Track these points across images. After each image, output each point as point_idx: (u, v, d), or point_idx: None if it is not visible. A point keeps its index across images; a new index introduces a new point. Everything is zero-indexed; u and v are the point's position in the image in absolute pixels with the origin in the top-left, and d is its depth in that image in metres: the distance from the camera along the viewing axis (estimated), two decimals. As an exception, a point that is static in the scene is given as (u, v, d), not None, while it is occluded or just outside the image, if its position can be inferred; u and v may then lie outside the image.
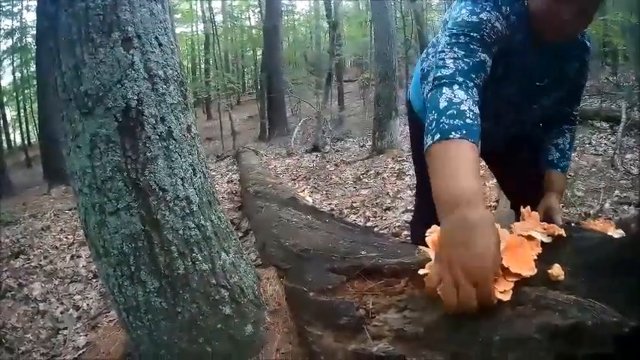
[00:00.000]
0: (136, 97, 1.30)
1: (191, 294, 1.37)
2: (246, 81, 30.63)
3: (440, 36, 1.59)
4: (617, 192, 4.80)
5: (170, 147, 1.36)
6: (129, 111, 1.29)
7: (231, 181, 7.51)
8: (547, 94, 1.60)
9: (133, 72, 1.30)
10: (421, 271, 1.13)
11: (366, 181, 6.54)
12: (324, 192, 6.27)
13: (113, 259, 1.34)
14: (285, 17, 20.49)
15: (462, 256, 0.98)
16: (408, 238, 3.65)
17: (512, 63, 1.46)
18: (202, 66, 27.19)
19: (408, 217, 4.26)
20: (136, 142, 1.30)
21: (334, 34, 11.78)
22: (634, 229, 1.55)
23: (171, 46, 1.43)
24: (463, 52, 1.30)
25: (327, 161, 8.60)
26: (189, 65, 28.77)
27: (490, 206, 4.36)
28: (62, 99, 1.32)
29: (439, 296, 1.01)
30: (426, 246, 1.17)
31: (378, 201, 5.27)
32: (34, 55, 15.10)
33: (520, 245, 1.12)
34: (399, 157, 7.48)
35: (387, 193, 5.52)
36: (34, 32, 15.74)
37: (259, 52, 21.19)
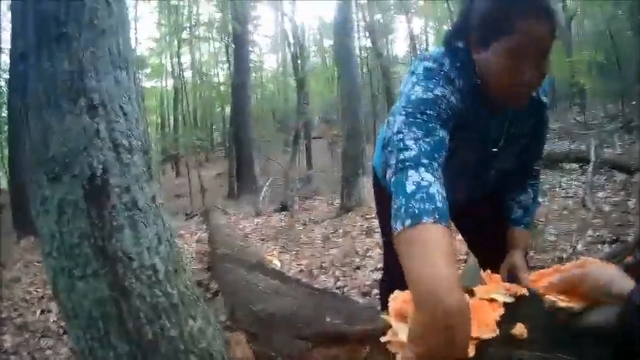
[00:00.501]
0: (101, 166, 1.31)
1: (160, 359, 1.36)
2: (214, 137, 30.67)
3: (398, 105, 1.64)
4: (589, 232, 4.81)
5: (135, 217, 1.37)
6: (94, 179, 1.30)
7: (200, 241, 7.40)
8: (507, 155, 1.64)
9: (98, 141, 1.32)
10: (383, 339, 1.13)
11: (335, 240, 6.52)
12: (294, 252, 6.21)
13: (83, 322, 1.33)
14: (254, 74, 20.74)
15: (439, 346, 0.96)
16: (377, 297, 3.67)
17: (469, 132, 1.50)
18: (171, 121, 27.15)
19: (378, 275, 4.24)
20: (102, 210, 1.31)
21: (302, 93, 11.96)
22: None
23: (136, 115, 1.45)
24: (422, 132, 1.28)
25: (296, 220, 8.57)
26: (159, 120, 28.72)
27: (460, 260, 4.34)
28: (31, 162, 1.34)
29: None
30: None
31: (347, 260, 5.24)
32: (5, 100, 14.78)
33: (481, 308, 1.15)
34: (368, 214, 7.46)
35: (357, 252, 5.50)
36: (7, 76, 15.41)
37: (228, 109, 21.34)
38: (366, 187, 8.28)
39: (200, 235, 7.97)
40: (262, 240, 7.31)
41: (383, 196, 1.66)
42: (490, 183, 1.75)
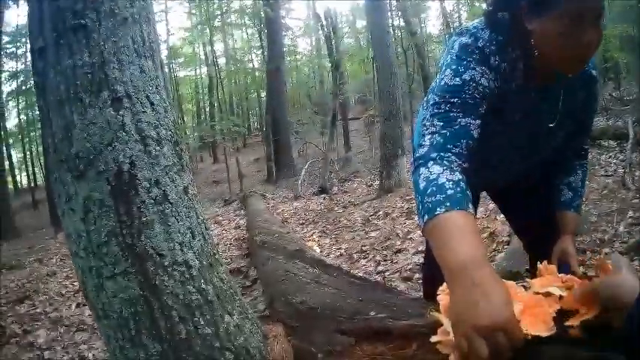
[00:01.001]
0: (128, 161, 1.25)
1: (195, 357, 1.31)
2: (251, 123, 30.81)
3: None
4: (630, 213, 4.65)
5: (166, 211, 1.31)
6: (121, 175, 1.25)
7: (239, 227, 7.45)
8: (557, 132, 1.53)
9: (124, 134, 1.25)
10: (433, 339, 1.06)
11: (375, 222, 6.45)
12: (333, 236, 6.19)
13: (113, 322, 1.29)
14: (288, 58, 20.72)
15: (473, 318, 0.94)
16: (420, 281, 3.59)
17: (514, 108, 1.41)
18: (207, 109, 27.41)
19: (420, 258, 4.18)
20: (130, 206, 1.25)
21: (337, 74, 11.86)
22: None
23: (164, 104, 1.39)
24: (441, 124, 1.30)
25: (335, 203, 8.55)
26: (194, 109, 29.02)
27: (502, 242, 4.28)
28: (54, 160, 1.29)
29: None
30: (437, 302, 1.13)
31: (387, 243, 5.17)
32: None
33: (537, 304, 1.06)
34: (408, 195, 7.37)
35: (397, 235, 5.42)
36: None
37: (263, 94, 21.38)
38: (405, 167, 8.23)
39: (238, 221, 8.02)
40: (302, 224, 7.31)
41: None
42: (541, 160, 1.65)
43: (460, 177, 1.21)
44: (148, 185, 1.29)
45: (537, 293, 1.11)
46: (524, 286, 1.16)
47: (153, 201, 1.29)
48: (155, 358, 1.28)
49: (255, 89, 24.49)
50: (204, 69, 25.43)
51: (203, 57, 24.80)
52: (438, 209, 1.13)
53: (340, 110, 15.45)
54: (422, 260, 3.86)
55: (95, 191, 1.24)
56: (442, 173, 1.20)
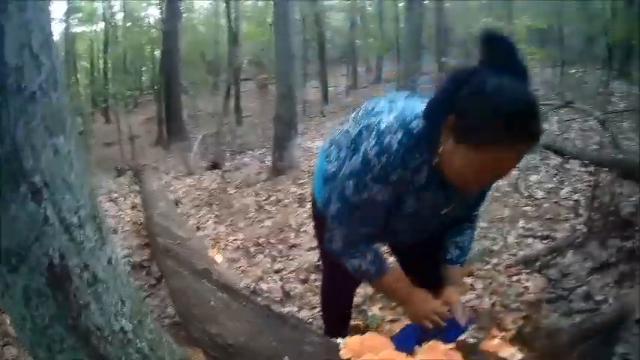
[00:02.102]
0: (57, 254, 1.33)
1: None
2: (143, 81, 29.76)
3: (342, 142, 1.81)
4: (521, 222, 4.88)
5: (98, 290, 1.43)
6: (53, 267, 1.33)
7: (135, 207, 7.38)
8: (451, 214, 1.76)
9: (48, 227, 1.30)
10: None
11: (268, 209, 6.58)
12: (228, 223, 6.28)
13: None
14: (185, 15, 20.17)
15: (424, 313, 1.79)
16: (317, 284, 3.80)
17: (419, 198, 1.61)
18: (101, 66, 26.23)
19: (314, 256, 4.36)
20: (67, 293, 1.36)
21: (234, 50, 11.73)
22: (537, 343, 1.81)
23: (79, 180, 1.39)
24: (346, 231, 1.73)
25: (228, 182, 8.58)
26: (88, 66, 27.64)
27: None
28: None
29: None
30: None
31: (282, 236, 5.32)
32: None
33: None
34: (300, 179, 7.54)
35: (291, 226, 5.58)
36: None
37: (157, 52, 20.81)
38: (298, 149, 8.41)
39: (133, 199, 7.93)
40: (196, 206, 7.34)
41: (323, 223, 1.87)
42: (436, 230, 1.90)
43: (370, 257, 1.77)
44: (79, 271, 1.38)
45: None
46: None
47: (86, 284, 1.40)
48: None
49: (150, 47, 23.65)
50: (102, 24, 24.35)
51: (101, 12, 23.68)
52: (375, 280, 1.83)
53: (233, 73, 15.37)
54: (315, 259, 4.17)
55: (32, 282, 1.32)
56: (361, 263, 1.77)
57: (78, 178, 1.39)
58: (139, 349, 1.53)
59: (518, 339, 1.82)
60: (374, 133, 1.54)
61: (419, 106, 1.56)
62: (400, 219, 1.69)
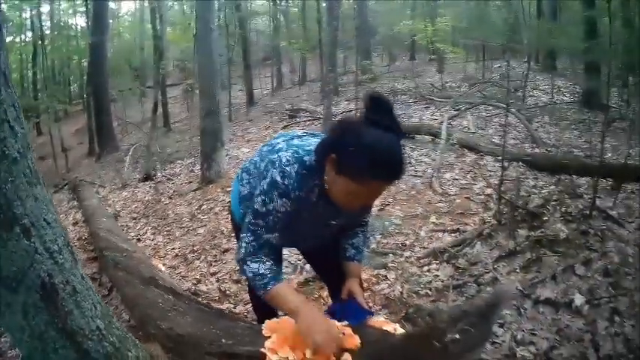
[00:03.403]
0: (46, 275, 1.71)
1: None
2: (71, 90, 29.08)
3: (252, 170, 2.32)
4: (433, 218, 5.26)
5: (78, 299, 1.84)
6: (44, 285, 1.71)
7: (77, 223, 7.54)
8: (341, 224, 2.30)
9: (38, 256, 1.68)
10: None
11: (201, 217, 6.90)
12: (165, 232, 6.60)
13: None
14: (110, 20, 19.96)
15: (313, 330, 1.87)
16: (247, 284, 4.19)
17: (309, 214, 2.11)
18: (30, 78, 25.60)
19: None
20: (56, 304, 1.76)
21: (159, 63, 11.85)
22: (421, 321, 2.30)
23: (53, 217, 1.79)
24: (253, 237, 2.05)
25: (161, 193, 8.84)
26: (18, 77, 26.79)
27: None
28: None
29: None
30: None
31: (215, 242, 5.67)
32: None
33: None
34: (228, 187, 7.73)
35: (222, 232, 5.91)
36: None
37: (85, 61, 20.54)
38: (225, 159, 8.77)
39: (74, 215, 8.08)
40: (134, 219, 7.61)
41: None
42: (332, 235, 2.42)
43: (269, 264, 2.06)
44: (63, 286, 1.78)
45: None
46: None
47: (69, 295, 1.80)
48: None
49: (78, 57, 23.25)
50: (30, 34, 23.86)
51: (29, 22, 23.03)
52: (269, 286, 2.02)
53: (160, 80, 15.49)
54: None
55: (29, 298, 1.70)
56: (259, 267, 2.04)
57: (53, 215, 1.80)
58: (111, 342, 1.96)
59: (405, 318, 2.34)
60: (277, 164, 2.00)
61: (309, 144, 2.09)
62: (302, 228, 2.18)
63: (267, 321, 2.09)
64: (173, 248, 5.88)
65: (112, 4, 21.47)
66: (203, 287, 4.56)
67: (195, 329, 2.32)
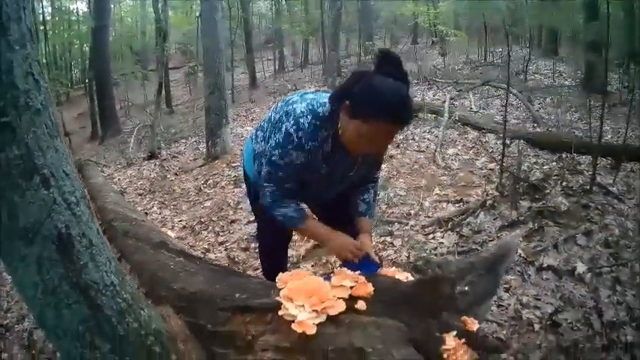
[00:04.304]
0: (63, 225, 1.72)
1: (132, 346, 1.94)
2: (73, 74, 29.01)
3: (267, 127, 2.36)
4: (437, 190, 5.40)
5: (93, 252, 1.85)
6: (61, 236, 1.72)
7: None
8: (355, 176, 2.38)
9: (56, 206, 1.70)
10: (280, 313, 1.90)
11: (207, 191, 6.99)
12: (172, 207, 6.66)
13: (71, 339, 1.84)
14: (112, 6, 19.89)
15: (342, 245, 2.30)
16: (257, 250, 4.25)
17: (324, 165, 2.20)
18: None
19: (252, 229, 4.87)
20: (71, 256, 1.76)
21: (163, 45, 11.81)
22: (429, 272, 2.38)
23: (72, 169, 1.82)
24: (275, 187, 2.25)
25: (167, 170, 8.93)
26: None
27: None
28: (4, 232, 1.67)
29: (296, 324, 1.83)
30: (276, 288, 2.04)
31: (222, 214, 5.75)
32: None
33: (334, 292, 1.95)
34: (233, 162, 7.94)
35: (229, 204, 6.00)
36: None
37: (86, 45, 20.46)
38: (229, 135, 8.83)
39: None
40: (140, 195, 7.67)
41: (253, 191, 2.60)
42: (345, 188, 2.49)
43: (294, 206, 2.31)
44: (79, 238, 1.79)
45: (335, 286, 1.95)
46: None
47: (84, 248, 1.81)
48: (109, 355, 1.88)
49: (79, 42, 23.17)
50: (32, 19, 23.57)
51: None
52: (299, 225, 2.35)
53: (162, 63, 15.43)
54: (253, 231, 4.63)
55: (44, 251, 1.70)
56: (287, 211, 2.30)
57: (71, 167, 1.83)
58: (125, 299, 1.96)
59: (414, 269, 2.40)
60: (292, 117, 2.12)
61: (322, 98, 2.19)
62: (318, 179, 2.28)
63: (280, 274, 2.13)
64: (180, 220, 5.95)
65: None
66: (212, 255, 4.64)
67: (207, 287, 2.36)
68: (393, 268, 2.42)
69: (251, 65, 18.48)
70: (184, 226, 5.69)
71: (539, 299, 3.16)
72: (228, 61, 15.07)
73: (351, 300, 1.90)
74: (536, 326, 2.93)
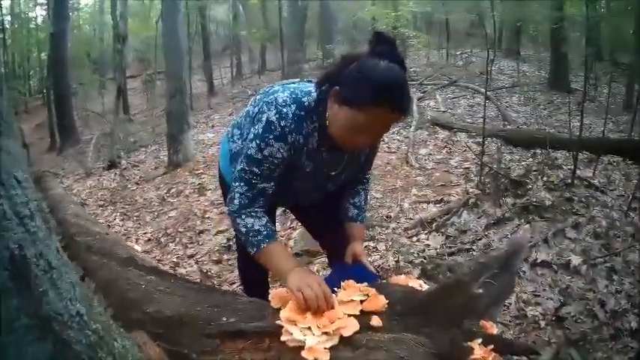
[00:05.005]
0: (16, 246, 1.41)
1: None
2: (31, 84, 28.21)
3: (244, 123, 2.07)
4: (414, 191, 5.27)
5: (54, 277, 1.53)
6: (14, 259, 1.41)
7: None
8: (340, 176, 2.09)
9: (7, 222, 1.39)
10: (282, 339, 1.59)
11: (171, 200, 6.73)
12: (135, 218, 6.35)
13: None
14: (70, 13, 19.38)
15: (306, 286, 1.71)
16: (230, 262, 4.05)
17: (307, 163, 1.93)
18: None
19: (222, 239, 4.66)
20: (28, 282, 1.45)
21: (122, 49, 11.53)
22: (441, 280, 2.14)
23: (25, 176, 1.50)
24: (246, 188, 1.89)
25: (128, 179, 8.61)
26: None
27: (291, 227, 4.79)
28: None
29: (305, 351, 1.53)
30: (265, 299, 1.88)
31: (189, 224, 5.49)
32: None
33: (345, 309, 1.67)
34: (196, 170, 7.73)
35: (195, 214, 5.74)
36: None
37: (44, 54, 19.96)
38: (191, 141, 8.64)
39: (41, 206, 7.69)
40: (101, 206, 7.33)
41: None
42: (332, 188, 2.19)
43: (265, 220, 1.93)
44: (36, 260, 1.48)
45: (344, 302, 1.67)
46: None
47: (43, 272, 1.49)
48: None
49: (38, 51, 22.54)
50: None
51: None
52: (262, 245, 1.90)
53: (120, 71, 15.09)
54: (224, 241, 4.44)
55: None
56: (255, 222, 1.91)
57: (24, 174, 1.50)
58: (95, 330, 1.65)
59: (423, 275, 2.15)
60: (273, 106, 1.82)
61: (306, 86, 1.92)
62: (300, 178, 2.00)
63: (273, 290, 1.88)
64: (145, 233, 5.68)
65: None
66: (182, 270, 4.36)
67: (187, 309, 2.04)
68: (403, 275, 2.15)
69: (209, 72, 18.36)
70: (149, 239, 5.43)
71: (539, 295, 3.15)
72: (187, 68, 14.83)
73: (364, 316, 1.64)
74: (542, 323, 2.91)
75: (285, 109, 1.80)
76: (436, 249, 3.93)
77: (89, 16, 29.65)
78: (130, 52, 21.60)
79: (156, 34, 15.03)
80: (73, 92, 15.69)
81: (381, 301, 1.69)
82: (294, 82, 2.04)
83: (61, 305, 1.54)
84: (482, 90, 9.66)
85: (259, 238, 1.91)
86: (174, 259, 4.62)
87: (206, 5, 19.22)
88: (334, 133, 1.80)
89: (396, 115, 1.72)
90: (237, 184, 1.93)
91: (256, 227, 1.91)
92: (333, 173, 2.04)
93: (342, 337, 1.55)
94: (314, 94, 1.85)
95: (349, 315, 1.63)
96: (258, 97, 2.04)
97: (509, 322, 2.89)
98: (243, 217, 1.92)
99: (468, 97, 10.47)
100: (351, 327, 1.57)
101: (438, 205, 4.87)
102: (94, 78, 19.11)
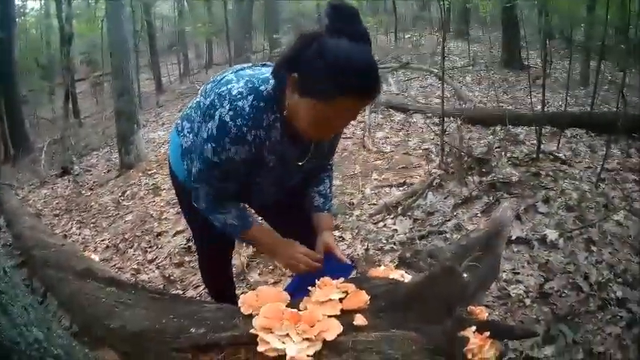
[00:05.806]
0: None
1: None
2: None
3: (194, 116, 1.93)
4: (375, 175, 5.19)
5: (3, 302, 1.40)
6: None
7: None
8: (307, 165, 1.94)
9: None
10: (259, 349, 1.44)
11: (126, 204, 6.52)
12: (92, 225, 6.13)
13: None
14: (17, 19, 18.68)
15: (291, 256, 1.92)
16: (192, 264, 3.93)
17: (271, 156, 1.78)
18: None
19: (181, 240, 4.53)
20: None
21: (68, 51, 11.15)
22: (423, 267, 2.04)
23: None
24: (208, 188, 1.84)
25: (81, 185, 8.35)
26: None
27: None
28: None
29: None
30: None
31: (146, 227, 5.31)
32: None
33: (321, 312, 1.53)
34: (149, 170, 7.53)
35: (152, 216, 5.57)
36: None
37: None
38: (142, 141, 8.45)
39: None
40: (57, 215, 7.06)
41: (185, 192, 2.05)
42: (296, 181, 2.06)
43: (237, 211, 1.92)
44: None
45: (321, 302, 1.56)
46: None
47: None
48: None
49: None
50: None
51: None
52: (240, 235, 1.98)
53: (68, 74, 14.63)
54: (184, 242, 4.36)
55: None
56: (226, 217, 1.90)
57: None
58: (57, 355, 1.52)
59: (402, 264, 2.05)
60: (226, 100, 1.64)
61: (262, 73, 1.74)
62: (264, 174, 1.87)
63: (242, 296, 1.68)
64: (103, 240, 5.46)
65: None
66: (144, 276, 4.20)
67: (153, 322, 1.87)
68: (382, 266, 2.02)
69: (156, 69, 17.99)
70: (108, 246, 5.22)
71: (519, 273, 3.11)
72: (134, 66, 14.48)
73: (345, 316, 1.51)
74: (527, 301, 2.88)
75: (240, 103, 1.62)
76: (405, 233, 3.85)
77: (35, 20, 28.63)
78: (78, 54, 21.06)
79: (101, 34, 14.56)
80: (23, 100, 15.10)
81: (362, 298, 1.56)
82: (248, 68, 1.86)
83: (16, 333, 1.41)
84: (436, 71, 9.87)
85: (236, 229, 1.93)
86: (135, 266, 4.45)
87: (151, 2, 18.78)
88: (297, 125, 1.65)
89: (366, 100, 1.59)
90: (198, 185, 1.84)
91: (229, 221, 1.91)
92: (300, 164, 1.90)
93: (325, 342, 1.42)
94: (272, 81, 1.67)
95: (329, 316, 1.50)
96: (208, 86, 1.85)
97: (493, 302, 2.84)
98: (215, 214, 1.91)
99: (420, 78, 10.46)
100: (334, 329, 1.44)
101: (401, 189, 4.79)
102: (42, 84, 18.45)
